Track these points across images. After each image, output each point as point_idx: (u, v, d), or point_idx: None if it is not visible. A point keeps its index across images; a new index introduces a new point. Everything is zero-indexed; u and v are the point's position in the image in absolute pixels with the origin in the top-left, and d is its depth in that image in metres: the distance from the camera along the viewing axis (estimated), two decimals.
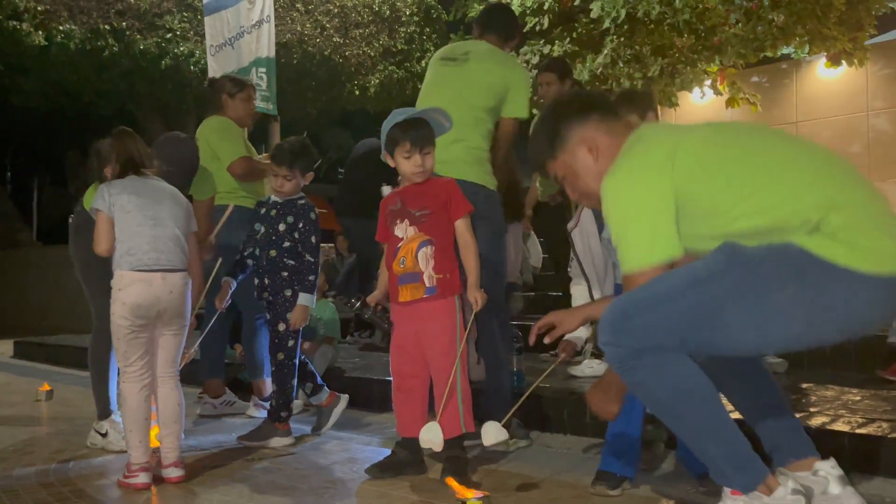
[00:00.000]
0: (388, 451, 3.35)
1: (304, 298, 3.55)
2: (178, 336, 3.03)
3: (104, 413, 3.64)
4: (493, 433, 2.74)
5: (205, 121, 4.47)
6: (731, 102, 9.58)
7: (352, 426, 3.97)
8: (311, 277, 3.57)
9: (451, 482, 2.65)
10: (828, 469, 2.15)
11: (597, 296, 2.85)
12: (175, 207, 3.02)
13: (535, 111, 5.37)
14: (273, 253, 3.59)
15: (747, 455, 2.02)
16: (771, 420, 2.25)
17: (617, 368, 2.09)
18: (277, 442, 3.57)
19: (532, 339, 2.45)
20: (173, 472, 2.96)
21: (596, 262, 2.81)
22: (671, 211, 2.02)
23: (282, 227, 3.60)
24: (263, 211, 3.71)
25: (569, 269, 3.14)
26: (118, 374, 3.01)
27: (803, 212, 1.88)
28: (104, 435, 3.61)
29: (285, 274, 3.57)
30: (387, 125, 3.00)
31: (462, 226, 3.02)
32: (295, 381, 3.65)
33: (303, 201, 3.65)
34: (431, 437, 2.78)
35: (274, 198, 3.72)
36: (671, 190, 2.02)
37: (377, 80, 10.78)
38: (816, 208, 1.87)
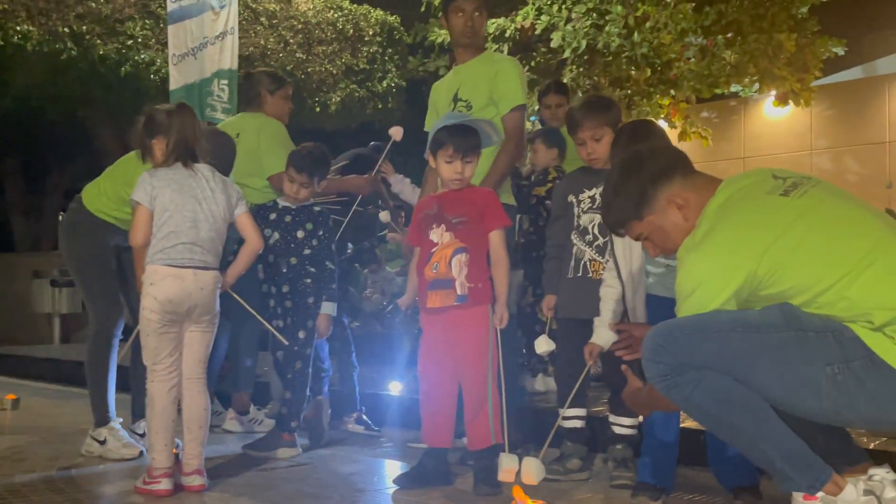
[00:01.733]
0: (401, 463, 3.34)
1: (328, 307, 3.51)
2: (207, 333, 2.96)
3: (102, 420, 3.50)
4: (535, 472, 2.68)
5: (256, 116, 4.26)
6: (683, 136, 9.91)
7: (340, 440, 3.90)
8: (334, 286, 3.53)
9: (518, 492, 2.61)
10: (883, 474, 2.22)
11: (629, 302, 2.87)
12: (215, 207, 2.95)
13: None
14: (294, 260, 3.54)
15: (809, 455, 2.06)
16: (820, 431, 2.31)
17: (660, 385, 2.12)
18: (284, 453, 3.50)
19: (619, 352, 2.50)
20: (196, 480, 2.87)
21: (634, 268, 2.84)
22: (738, 290, 2.05)
23: (300, 233, 3.55)
24: (274, 216, 3.64)
25: (586, 262, 3.13)
26: (147, 374, 2.90)
27: (872, 313, 1.95)
28: (102, 442, 3.46)
29: (308, 281, 3.52)
30: (437, 125, 3.01)
31: (496, 238, 3.01)
32: (308, 392, 3.59)
33: (318, 208, 3.62)
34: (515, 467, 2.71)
35: (284, 203, 3.67)
36: (749, 276, 2.04)
37: (338, 98, 10.75)
38: (886, 311, 1.93)
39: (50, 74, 9.14)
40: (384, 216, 4.12)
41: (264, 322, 3.50)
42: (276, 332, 3.49)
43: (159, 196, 2.87)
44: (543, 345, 3.04)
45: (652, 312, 2.79)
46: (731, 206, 2.14)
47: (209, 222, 2.92)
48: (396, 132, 3.82)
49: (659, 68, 9.42)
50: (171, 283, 2.84)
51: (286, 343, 3.51)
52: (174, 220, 2.87)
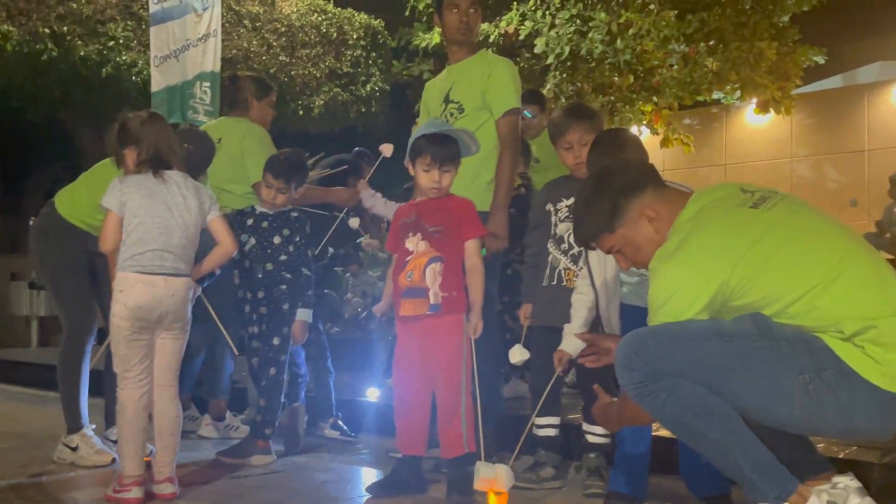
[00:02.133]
0: (376, 471, 3.33)
1: (303, 314, 3.50)
2: (178, 341, 2.94)
3: (75, 427, 3.47)
4: (505, 479, 2.65)
5: (240, 121, 4.23)
6: (665, 143, 9.96)
7: (316, 446, 3.88)
8: (310, 292, 3.52)
9: (493, 500, 2.60)
10: (847, 482, 2.24)
11: (603, 311, 2.87)
12: (186, 213, 2.93)
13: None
14: (270, 266, 3.53)
15: (776, 465, 2.08)
16: (785, 440, 2.33)
17: (634, 393, 2.14)
18: (258, 460, 3.48)
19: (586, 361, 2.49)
20: (167, 489, 2.85)
21: (609, 277, 2.84)
22: (711, 300, 2.07)
23: (277, 239, 3.54)
24: (251, 222, 3.63)
25: (561, 271, 3.13)
26: (118, 381, 2.87)
27: (842, 323, 1.98)
28: (74, 449, 3.44)
29: (284, 287, 3.51)
30: (416, 133, 3.01)
31: (472, 248, 3.01)
32: (283, 399, 3.57)
33: (295, 213, 3.61)
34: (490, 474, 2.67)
35: (261, 209, 3.66)
36: (721, 287, 2.06)
37: (322, 102, 10.72)
38: (855, 320, 1.97)
39: (30, 75, 9.08)
40: (353, 222, 4.11)
41: (221, 327, 3.46)
42: (229, 340, 3.50)
43: (129, 202, 2.85)
44: (517, 354, 3.04)
45: (626, 322, 2.80)
46: (702, 218, 2.17)
47: (181, 229, 2.91)
48: (387, 149, 3.82)
49: (641, 75, 9.47)
50: (141, 289, 2.82)
51: (236, 353, 3.54)
52: (144, 226, 2.85)
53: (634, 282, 2.86)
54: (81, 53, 9.03)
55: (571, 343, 2.82)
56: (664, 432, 3.23)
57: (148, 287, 2.83)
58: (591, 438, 3.06)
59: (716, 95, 9.79)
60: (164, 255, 2.87)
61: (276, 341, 3.51)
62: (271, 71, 10.08)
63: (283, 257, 3.54)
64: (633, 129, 10.13)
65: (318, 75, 10.72)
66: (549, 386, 2.90)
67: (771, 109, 9.31)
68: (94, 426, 3.53)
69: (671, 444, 2.97)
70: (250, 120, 4.24)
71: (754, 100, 9.46)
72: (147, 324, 2.85)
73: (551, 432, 3.14)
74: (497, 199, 3.33)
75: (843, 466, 2.38)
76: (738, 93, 9.41)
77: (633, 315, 2.79)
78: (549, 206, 3.26)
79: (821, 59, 9.20)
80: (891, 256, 6.75)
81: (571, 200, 3.15)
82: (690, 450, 2.65)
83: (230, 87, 4.48)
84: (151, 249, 2.84)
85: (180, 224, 2.91)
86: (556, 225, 3.21)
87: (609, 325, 2.84)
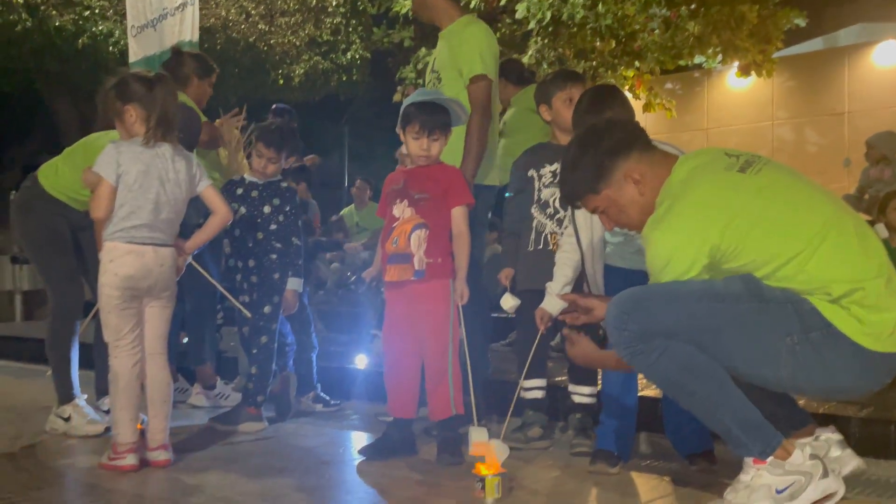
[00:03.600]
0: (366, 435, 3.38)
1: (294, 283, 3.53)
2: (167, 309, 2.96)
3: (66, 398, 3.49)
4: (499, 453, 2.58)
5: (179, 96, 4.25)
6: (647, 108, 9.98)
7: (306, 413, 3.92)
8: (300, 261, 3.54)
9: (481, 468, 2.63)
10: (828, 434, 2.33)
11: (589, 271, 2.89)
12: (177, 189, 2.91)
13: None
14: (260, 235, 3.55)
15: (761, 422, 2.14)
16: (769, 397, 2.39)
17: (625, 353, 2.18)
18: (250, 427, 3.52)
19: (567, 318, 2.53)
20: (161, 455, 2.88)
21: (595, 237, 2.86)
22: (707, 264, 2.12)
23: (267, 209, 3.56)
24: (241, 191, 3.64)
25: (546, 235, 3.15)
26: (109, 351, 2.89)
27: (830, 286, 2.04)
28: (67, 419, 3.46)
29: (274, 257, 3.54)
30: (407, 101, 3.02)
31: (458, 215, 3.03)
32: (273, 366, 3.60)
33: (285, 184, 3.63)
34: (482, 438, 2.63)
35: (250, 178, 3.67)
36: (712, 250, 2.11)
37: (302, 70, 10.63)
38: (842, 283, 2.03)
39: (4, 46, 8.95)
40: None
41: (228, 296, 3.51)
42: (240, 307, 3.51)
43: (125, 174, 2.83)
44: (509, 300, 3.08)
45: (608, 283, 2.84)
46: (691, 183, 2.19)
47: (170, 205, 2.90)
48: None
49: (623, 40, 9.44)
50: (131, 259, 2.83)
51: (250, 317, 3.52)
52: (137, 200, 2.84)
53: (617, 241, 2.88)
54: (56, 24, 8.91)
55: (552, 302, 2.83)
56: (649, 392, 3.32)
57: (138, 257, 2.83)
58: (576, 399, 3.11)
59: (697, 59, 9.79)
60: (153, 227, 2.87)
61: (267, 310, 3.53)
62: (250, 40, 9.99)
63: (273, 227, 3.56)
64: None
65: (297, 44, 10.62)
66: (535, 346, 2.93)
67: (752, 73, 9.32)
68: (85, 396, 3.55)
69: (657, 403, 3.04)
70: (187, 96, 4.24)
71: (736, 63, 9.47)
72: (137, 293, 2.86)
73: (538, 394, 3.20)
74: (463, 168, 3.26)
75: (823, 421, 2.45)
76: (720, 56, 9.41)
77: (616, 276, 2.83)
78: (532, 172, 3.28)
79: (802, 22, 9.22)
80: (870, 218, 6.84)
81: (555, 166, 3.18)
82: (675, 410, 2.74)
83: (173, 62, 4.40)
84: (141, 223, 2.84)
85: (171, 200, 2.90)
86: (539, 190, 3.24)
87: (595, 284, 2.87)
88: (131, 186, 2.84)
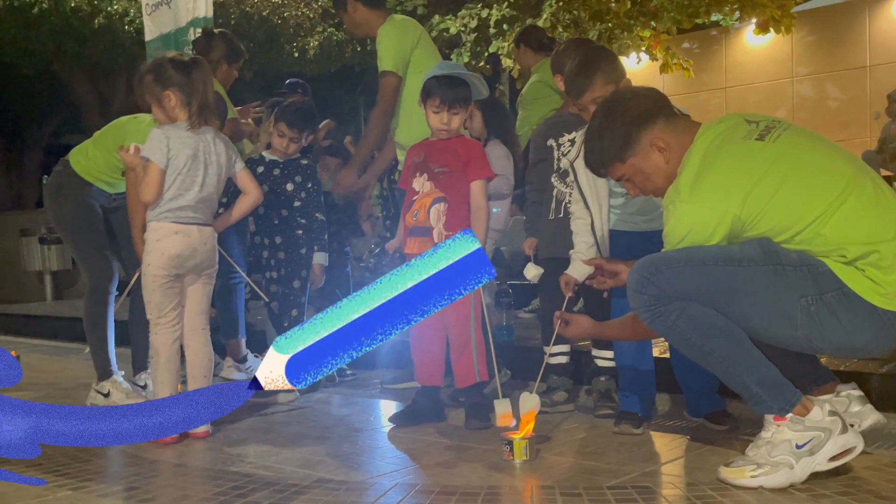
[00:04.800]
0: (395, 403, 3.48)
1: (320, 257, 3.63)
2: (209, 286, 3.07)
3: (105, 374, 3.62)
4: (530, 405, 2.68)
5: None
6: (664, 68, 9.91)
7: (336, 384, 4.03)
8: (325, 236, 3.63)
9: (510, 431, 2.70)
10: (849, 390, 2.39)
11: (598, 230, 2.92)
12: (218, 171, 3.01)
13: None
14: (285, 212, 3.64)
15: (780, 379, 2.20)
16: (790, 355, 2.43)
17: (645, 315, 2.25)
18: (283, 397, 3.62)
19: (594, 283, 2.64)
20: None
21: (600, 195, 2.89)
22: (726, 233, 2.18)
23: (290, 186, 3.65)
24: (261, 170, 3.72)
25: (567, 203, 3.19)
26: (150, 328, 3.00)
27: (846, 248, 2.08)
28: (106, 395, 3.58)
29: (300, 232, 3.64)
30: (428, 74, 3.06)
31: (477, 188, 3.08)
32: None
33: (305, 161, 3.70)
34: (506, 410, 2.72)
35: (270, 156, 3.74)
36: (734, 221, 2.16)
37: (316, 43, 10.63)
38: (858, 245, 2.07)
39: (22, 29, 9.03)
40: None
41: (243, 274, 3.60)
42: (255, 287, 3.61)
43: (174, 158, 2.91)
44: (532, 269, 3.14)
45: (613, 247, 2.88)
46: (711, 153, 2.23)
47: (212, 187, 3.00)
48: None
49: (638, 0, 9.37)
50: (178, 239, 2.93)
51: (266, 300, 3.64)
52: (184, 183, 2.93)
53: (619, 203, 2.90)
54: (72, 5, 8.97)
55: (578, 268, 2.88)
56: (661, 354, 3.38)
57: (184, 237, 2.94)
58: (600, 363, 3.18)
59: (714, 17, 9.70)
60: (196, 209, 2.97)
61: (296, 284, 3.65)
62: (264, 13, 9.99)
63: (296, 203, 3.65)
64: (633, 56, 10.09)
65: (311, 16, 10.61)
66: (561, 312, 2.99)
67: (770, 29, 9.20)
68: (122, 372, 3.67)
69: (669, 365, 3.08)
70: (217, 81, 4.27)
71: (753, 20, 9.37)
72: (182, 271, 2.97)
73: (563, 360, 3.27)
74: (356, 152, 3.69)
75: (845, 378, 2.50)
76: (737, 14, 9.31)
77: (619, 239, 2.88)
78: (551, 142, 3.32)
79: None
80: (888, 173, 6.80)
81: (573, 134, 3.22)
82: (686, 372, 2.82)
83: (203, 44, 4.43)
84: (187, 204, 2.94)
85: (213, 182, 3.00)
86: (558, 159, 3.28)
87: (605, 248, 2.90)
88: (180, 170, 2.92)
